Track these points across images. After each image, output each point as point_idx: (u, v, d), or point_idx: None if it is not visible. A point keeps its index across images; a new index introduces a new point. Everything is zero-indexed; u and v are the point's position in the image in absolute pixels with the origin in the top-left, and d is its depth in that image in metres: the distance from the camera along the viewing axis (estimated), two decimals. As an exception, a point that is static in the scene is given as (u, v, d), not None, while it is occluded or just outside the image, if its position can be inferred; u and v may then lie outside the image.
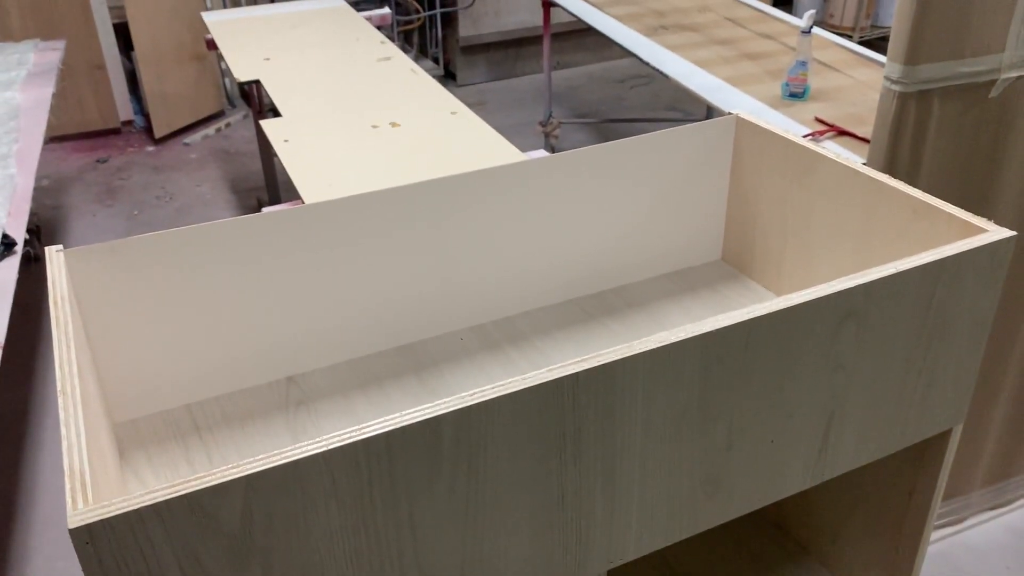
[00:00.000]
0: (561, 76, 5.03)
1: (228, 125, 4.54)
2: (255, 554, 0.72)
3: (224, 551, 0.70)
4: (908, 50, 1.44)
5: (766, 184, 1.32)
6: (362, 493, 0.74)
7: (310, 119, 2.29)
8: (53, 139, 4.26)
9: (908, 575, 1.21)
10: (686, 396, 0.86)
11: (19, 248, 1.88)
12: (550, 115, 4.02)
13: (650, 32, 2.95)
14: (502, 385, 0.77)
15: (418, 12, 4.89)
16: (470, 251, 1.25)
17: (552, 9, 3.58)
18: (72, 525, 0.64)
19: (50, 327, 0.85)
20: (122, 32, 4.18)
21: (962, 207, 1.05)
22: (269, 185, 3.50)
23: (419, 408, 0.74)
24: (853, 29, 4.83)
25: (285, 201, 3.27)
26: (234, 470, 0.68)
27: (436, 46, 5.07)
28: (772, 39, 2.85)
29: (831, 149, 1.49)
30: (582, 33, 4.84)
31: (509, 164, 1.23)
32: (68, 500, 0.66)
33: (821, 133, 2.10)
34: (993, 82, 1.52)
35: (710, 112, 3.60)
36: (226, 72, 4.56)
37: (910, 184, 1.12)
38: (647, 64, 2.69)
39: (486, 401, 0.75)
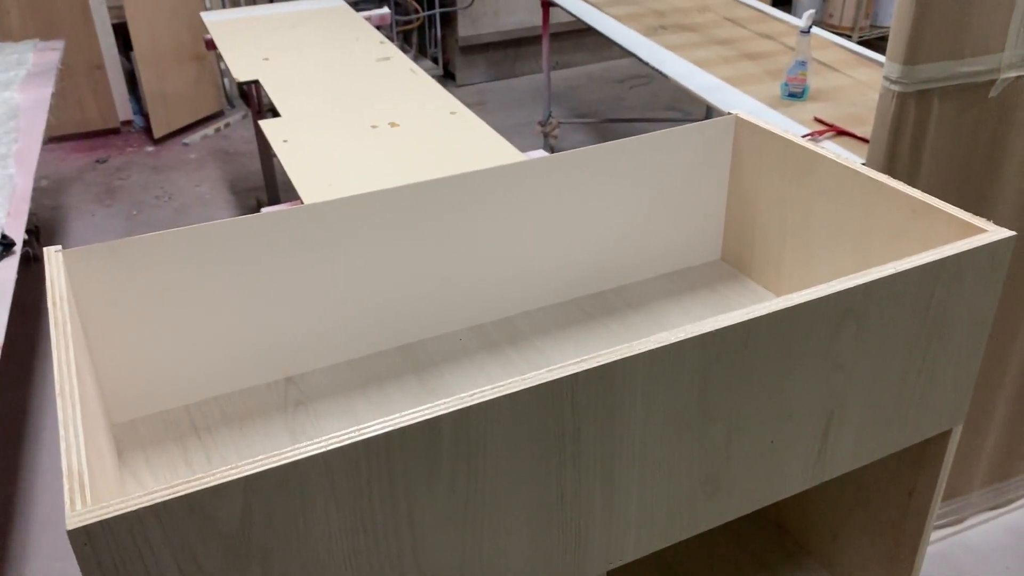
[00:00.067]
0: (560, 76, 5.03)
1: (227, 125, 4.54)
2: (254, 555, 0.72)
3: (223, 552, 0.70)
4: (907, 50, 1.44)
5: (765, 184, 1.32)
6: (361, 493, 0.74)
7: (309, 119, 2.29)
8: (52, 139, 4.26)
9: (908, 575, 1.21)
10: (685, 396, 0.86)
11: (18, 248, 1.88)
12: (549, 115, 4.02)
13: (649, 32, 2.94)
14: (502, 385, 0.77)
15: (417, 12, 4.89)
16: (469, 251, 1.25)
17: (551, 9, 3.58)
18: (70, 526, 0.63)
19: (49, 327, 0.85)
20: (121, 32, 4.18)
21: (961, 207, 1.05)
22: (268, 185, 3.50)
23: (419, 408, 0.74)
24: (852, 29, 4.84)
25: (284, 201, 3.27)
26: (233, 471, 0.68)
27: (435, 46, 5.07)
28: (771, 39, 2.85)
29: (830, 149, 1.49)
30: (581, 33, 4.84)
31: (508, 164, 1.23)
32: (66, 501, 0.66)
33: (820, 133, 2.10)
34: (992, 82, 1.52)
35: (709, 112, 3.60)
36: (225, 72, 4.56)
37: (909, 184, 1.12)
38: (646, 64, 2.69)
39: (486, 401, 0.75)
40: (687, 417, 0.88)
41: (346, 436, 0.71)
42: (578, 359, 0.80)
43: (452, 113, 2.30)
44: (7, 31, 3.97)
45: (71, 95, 4.16)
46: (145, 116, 4.36)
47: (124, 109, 4.40)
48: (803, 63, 2.28)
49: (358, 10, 3.44)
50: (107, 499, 0.67)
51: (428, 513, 0.78)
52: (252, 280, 1.13)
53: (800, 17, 2.50)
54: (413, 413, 0.74)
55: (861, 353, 0.95)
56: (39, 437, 2.55)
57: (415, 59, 5.00)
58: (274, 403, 1.16)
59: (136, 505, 0.65)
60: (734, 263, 1.44)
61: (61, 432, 0.74)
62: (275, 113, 2.37)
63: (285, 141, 2.16)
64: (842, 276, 0.91)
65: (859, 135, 2.08)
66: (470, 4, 4.78)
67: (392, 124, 2.23)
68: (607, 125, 4.44)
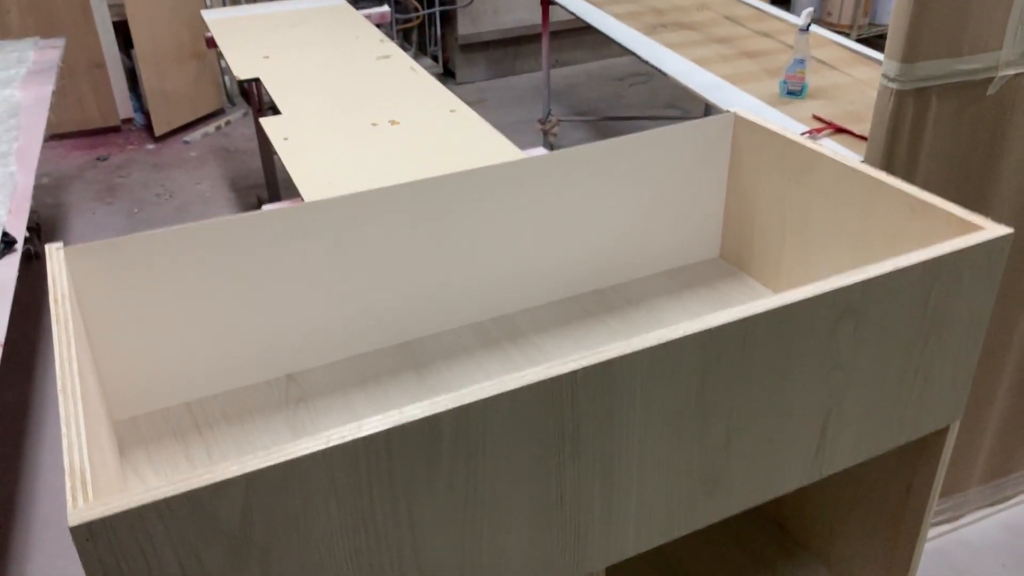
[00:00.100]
0: (560, 74, 5.03)
1: (228, 123, 4.54)
2: (255, 552, 0.72)
3: (224, 549, 0.71)
4: (906, 48, 1.44)
5: (764, 182, 1.32)
6: (361, 491, 0.74)
7: (310, 117, 2.29)
8: (53, 137, 4.26)
9: (905, 572, 1.21)
10: (684, 393, 0.87)
11: (19, 246, 1.88)
12: (549, 113, 4.02)
13: (649, 30, 2.95)
14: (501, 383, 0.77)
15: (417, 10, 4.88)
16: (469, 249, 1.26)
17: (551, 7, 3.58)
18: (72, 523, 0.64)
19: (50, 325, 0.86)
20: (122, 30, 4.18)
21: (959, 204, 1.05)
22: (269, 183, 3.50)
23: (418, 406, 0.75)
24: (851, 27, 4.83)
25: (285, 199, 3.28)
26: (234, 468, 0.68)
27: (435, 44, 5.07)
28: (770, 37, 2.85)
29: (829, 147, 1.49)
30: (581, 31, 4.84)
31: (508, 162, 1.23)
32: (68, 498, 0.67)
33: (819, 131, 2.11)
34: (991, 79, 1.52)
35: (708, 110, 3.60)
36: (226, 70, 4.56)
37: (908, 182, 1.12)
38: (646, 62, 2.69)
39: (485, 399, 0.76)
40: (686, 414, 0.88)
41: (346, 433, 0.72)
42: (577, 356, 0.80)
43: (452, 111, 2.31)
44: (7, 29, 3.97)
45: (72, 93, 4.16)
46: (146, 114, 4.36)
47: (125, 107, 4.40)
48: (802, 61, 2.29)
49: (358, 8, 3.44)
50: (109, 496, 0.67)
51: (428, 511, 0.78)
52: (253, 277, 1.14)
53: (799, 15, 2.51)
54: (413, 410, 0.74)
55: (859, 350, 0.95)
56: (41, 434, 2.56)
57: (415, 57, 5.00)
58: (275, 400, 1.16)
59: (138, 502, 0.65)
60: (733, 261, 1.45)
61: (63, 429, 0.74)
62: (276, 111, 2.37)
63: (286, 139, 2.16)
64: (841, 273, 0.92)
65: (858, 133, 2.08)
66: (470, 2, 4.78)
67: (392, 122, 2.24)
68: (606, 123, 4.44)
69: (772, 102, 2.31)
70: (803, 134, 2.03)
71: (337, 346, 1.23)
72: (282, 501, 0.71)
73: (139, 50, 4.08)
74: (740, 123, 1.34)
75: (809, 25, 2.32)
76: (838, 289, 0.90)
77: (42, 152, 2.38)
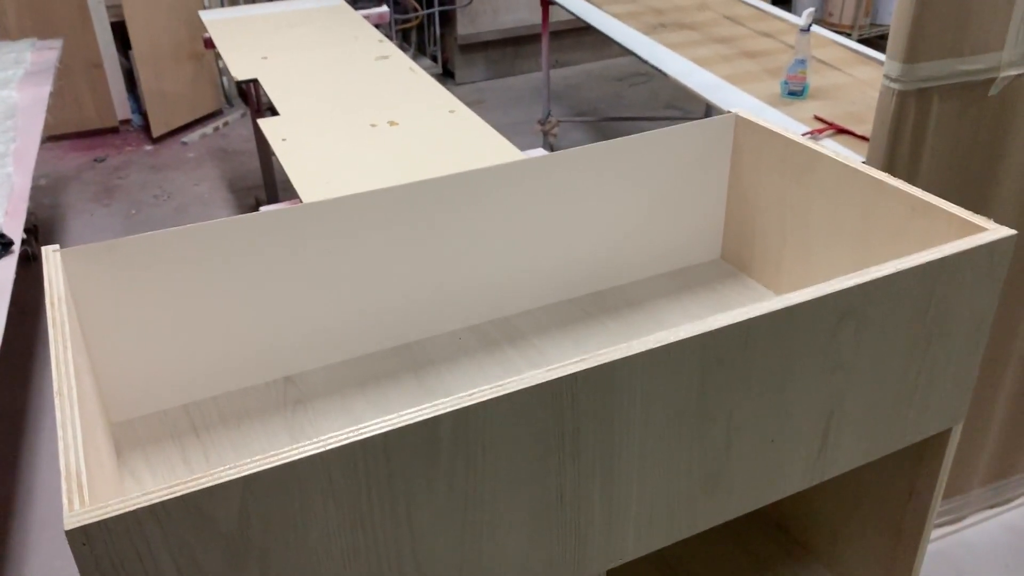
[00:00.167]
0: (560, 74, 5.03)
1: (226, 124, 4.54)
2: (252, 555, 0.72)
3: (221, 552, 0.70)
4: (907, 48, 1.43)
5: (765, 182, 1.32)
6: (360, 493, 0.74)
7: (308, 118, 2.29)
8: (50, 138, 4.25)
9: (908, 574, 1.21)
10: (685, 395, 0.86)
11: (16, 248, 1.88)
12: (549, 113, 4.02)
13: (649, 30, 2.94)
14: (501, 385, 0.76)
15: (416, 10, 4.88)
16: (468, 250, 1.25)
17: (551, 7, 3.57)
18: (68, 527, 0.63)
19: (47, 327, 0.85)
20: (119, 31, 4.17)
21: (961, 205, 1.05)
22: (267, 184, 3.50)
23: (417, 408, 0.74)
24: (852, 27, 4.83)
25: (283, 200, 3.27)
26: (231, 470, 0.68)
27: (434, 44, 5.06)
28: (771, 37, 2.84)
29: (830, 147, 1.48)
30: (581, 31, 4.84)
31: (508, 163, 1.23)
32: (64, 501, 0.66)
33: (820, 131, 2.10)
34: (992, 80, 1.52)
35: (709, 110, 3.60)
36: (224, 71, 4.56)
37: (909, 182, 1.12)
38: (646, 62, 2.69)
39: (484, 401, 0.75)
40: (687, 416, 0.87)
41: (345, 436, 0.71)
42: (578, 358, 0.79)
43: (451, 112, 2.30)
44: (5, 30, 3.96)
45: (69, 94, 4.15)
46: (143, 115, 4.35)
47: (122, 108, 4.40)
48: (803, 61, 2.28)
49: (357, 8, 3.44)
50: (105, 499, 0.66)
51: (427, 513, 0.78)
52: (251, 279, 1.13)
53: (800, 15, 2.50)
54: (412, 413, 0.74)
55: (861, 352, 0.95)
56: (37, 437, 2.55)
57: (414, 57, 5.00)
58: (273, 402, 1.16)
59: (134, 505, 0.65)
60: (734, 262, 1.44)
61: (59, 432, 0.74)
62: (274, 112, 2.37)
63: (284, 140, 2.15)
64: (842, 274, 0.91)
65: (859, 133, 2.07)
66: (469, 2, 4.78)
67: (391, 123, 2.23)
68: (606, 123, 4.44)
69: (773, 102, 2.30)
70: (804, 135, 2.03)
71: (335, 348, 1.22)
72: (280, 503, 0.70)
73: (137, 51, 4.07)
74: (741, 124, 1.34)
75: (810, 25, 2.32)
76: (839, 291, 0.89)
77: (39, 153, 2.38)
